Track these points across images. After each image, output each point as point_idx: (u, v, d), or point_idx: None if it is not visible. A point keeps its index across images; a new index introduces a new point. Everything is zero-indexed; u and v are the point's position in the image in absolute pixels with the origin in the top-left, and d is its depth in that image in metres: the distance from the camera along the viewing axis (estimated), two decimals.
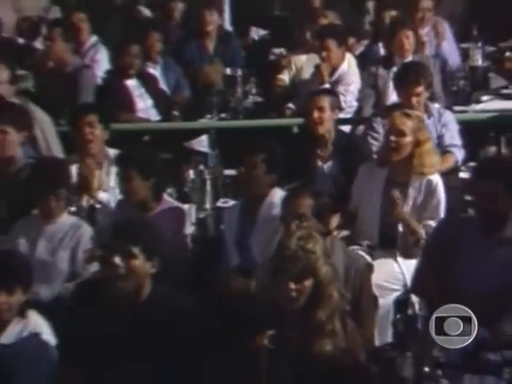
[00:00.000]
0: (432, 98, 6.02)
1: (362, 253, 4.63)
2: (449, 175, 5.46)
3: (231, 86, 6.89)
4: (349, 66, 6.73)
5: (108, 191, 5.22)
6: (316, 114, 5.51)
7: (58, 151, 5.64)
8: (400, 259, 4.77)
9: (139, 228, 3.72)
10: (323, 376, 3.39)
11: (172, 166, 5.51)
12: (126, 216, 4.68)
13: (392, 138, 4.88)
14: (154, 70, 7.03)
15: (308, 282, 3.40)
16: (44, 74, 6.85)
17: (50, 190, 4.60)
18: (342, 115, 6.07)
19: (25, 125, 5.25)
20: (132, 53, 6.68)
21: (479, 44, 7.01)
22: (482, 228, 3.93)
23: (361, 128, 6.21)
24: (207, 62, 7.37)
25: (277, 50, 7.32)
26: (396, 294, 4.61)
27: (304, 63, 6.91)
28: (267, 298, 3.49)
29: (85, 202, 5.11)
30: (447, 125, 5.78)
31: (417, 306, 3.87)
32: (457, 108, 6.40)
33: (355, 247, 4.73)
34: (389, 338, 4.22)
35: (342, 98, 6.30)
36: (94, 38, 7.47)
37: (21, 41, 8.13)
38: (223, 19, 8.24)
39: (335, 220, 4.23)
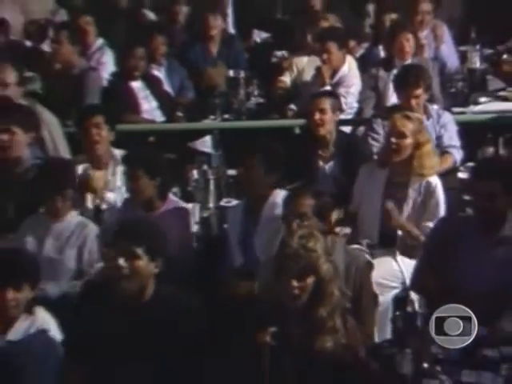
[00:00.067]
0: (431, 100, 6.01)
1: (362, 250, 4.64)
2: (447, 175, 5.47)
3: (234, 88, 6.89)
4: (349, 68, 6.73)
5: (114, 191, 5.23)
6: (317, 116, 5.52)
7: (65, 152, 5.64)
8: (399, 258, 4.77)
9: (143, 229, 3.71)
10: (324, 372, 3.39)
11: (176, 166, 5.52)
12: (130, 215, 4.68)
13: (393, 139, 4.88)
14: (159, 72, 7.03)
15: (310, 280, 3.41)
16: (51, 76, 6.86)
17: (57, 190, 4.60)
18: (342, 116, 6.07)
19: (32, 126, 5.25)
20: (137, 55, 6.68)
21: (477, 47, 7.01)
22: (480, 227, 3.93)
23: (361, 129, 6.21)
24: (211, 65, 7.38)
25: (279, 53, 7.33)
26: (395, 292, 4.62)
27: (305, 65, 6.91)
28: (270, 295, 3.50)
29: (90, 202, 5.13)
30: (446, 126, 5.79)
31: (416, 304, 3.87)
32: (455, 109, 6.39)
33: (355, 246, 4.73)
34: (388, 335, 4.23)
35: (342, 99, 6.29)
36: (99, 41, 7.47)
37: (28, 43, 8.14)
38: (227, 23, 8.24)
39: (336, 214, 4.24)
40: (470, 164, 5.57)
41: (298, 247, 3.41)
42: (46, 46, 7.79)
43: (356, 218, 4.97)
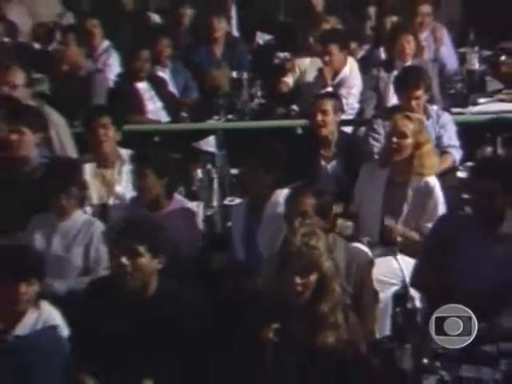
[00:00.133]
0: (431, 101, 6.01)
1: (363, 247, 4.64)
2: (447, 175, 5.47)
3: (237, 89, 6.89)
4: (351, 70, 6.73)
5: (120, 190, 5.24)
6: (320, 117, 5.52)
7: (72, 152, 5.64)
8: (399, 256, 4.76)
9: (145, 227, 3.72)
10: (326, 367, 3.39)
11: (181, 166, 5.52)
12: (134, 214, 4.68)
13: (394, 139, 4.88)
14: (164, 74, 7.03)
15: (313, 277, 3.41)
16: (59, 78, 6.86)
17: (61, 188, 4.59)
18: (344, 117, 6.07)
19: (41, 126, 5.25)
20: (142, 57, 6.69)
21: (476, 48, 7.01)
22: (479, 225, 3.93)
23: (362, 129, 6.21)
24: (215, 66, 7.38)
25: (281, 54, 7.31)
26: (394, 289, 4.61)
27: (307, 66, 6.92)
28: (273, 292, 3.50)
29: (96, 199, 5.14)
30: (445, 126, 5.78)
31: (416, 300, 3.87)
32: (454, 110, 6.39)
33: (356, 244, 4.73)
34: (387, 331, 4.23)
35: (344, 100, 6.29)
36: (106, 43, 7.47)
37: (36, 46, 8.13)
38: (231, 26, 8.24)
39: (337, 208, 4.24)
40: (469, 163, 5.57)
41: (301, 245, 3.41)
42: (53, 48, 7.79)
43: (357, 216, 4.96)
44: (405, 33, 6.60)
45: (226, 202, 5.39)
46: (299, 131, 6.32)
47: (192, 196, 5.33)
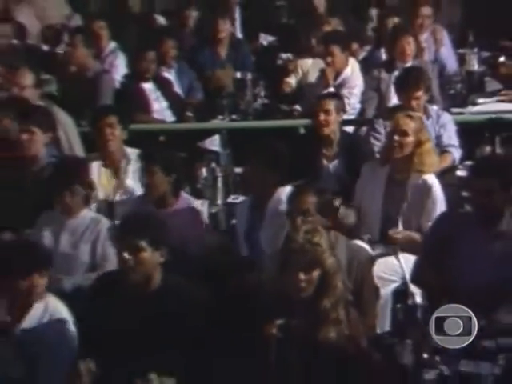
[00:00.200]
0: (431, 101, 6.00)
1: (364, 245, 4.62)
2: (447, 173, 5.46)
3: (241, 89, 6.89)
4: (352, 70, 6.73)
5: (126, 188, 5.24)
6: (322, 117, 5.51)
7: (79, 151, 5.64)
8: (400, 254, 4.75)
9: (145, 221, 3.72)
10: (328, 363, 3.38)
11: (186, 164, 5.51)
12: (135, 210, 4.68)
13: (395, 137, 4.88)
14: (169, 74, 7.03)
15: (316, 273, 3.41)
16: (67, 79, 6.87)
17: (65, 185, 4.59)
18: (346, 117, 6.06)
19: (50, 126, 5.26)
20: (148, 58, 6.69)
21: (475, 50, 7.00)
22: (478, 223, 3.92)
23: (364, 129, 6.20)
24: (219, 67, 7.37)
25: (284, 55, 7.31)
26: (394, 285, 4.60)
27: (310, 67, 6.92)
28: (276, 288, 3.49)
29: (104, 196, 5.14)
30: (445, 126, 5.78)
31: (416, 296, 3.86)
32: (454, 110, 6.38)
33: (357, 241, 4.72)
34: (387, 327, 4.22)
35: (346, 100, 6.28)
36: (112, 45, 7.48)
37: (45, 47, 8.14)
38: (235, 27, 8.24)
39: (337, 202, 4.23)
40: (469, 162, 5.56)
41: (304, 242, 3.41)
42: (61, 50, 7.79)
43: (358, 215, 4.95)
44: (405, 34, 6.59)
45: (230, 199, 5.39)
46: (302, 131, 6.32)
47: (197, 194, 5.33)
